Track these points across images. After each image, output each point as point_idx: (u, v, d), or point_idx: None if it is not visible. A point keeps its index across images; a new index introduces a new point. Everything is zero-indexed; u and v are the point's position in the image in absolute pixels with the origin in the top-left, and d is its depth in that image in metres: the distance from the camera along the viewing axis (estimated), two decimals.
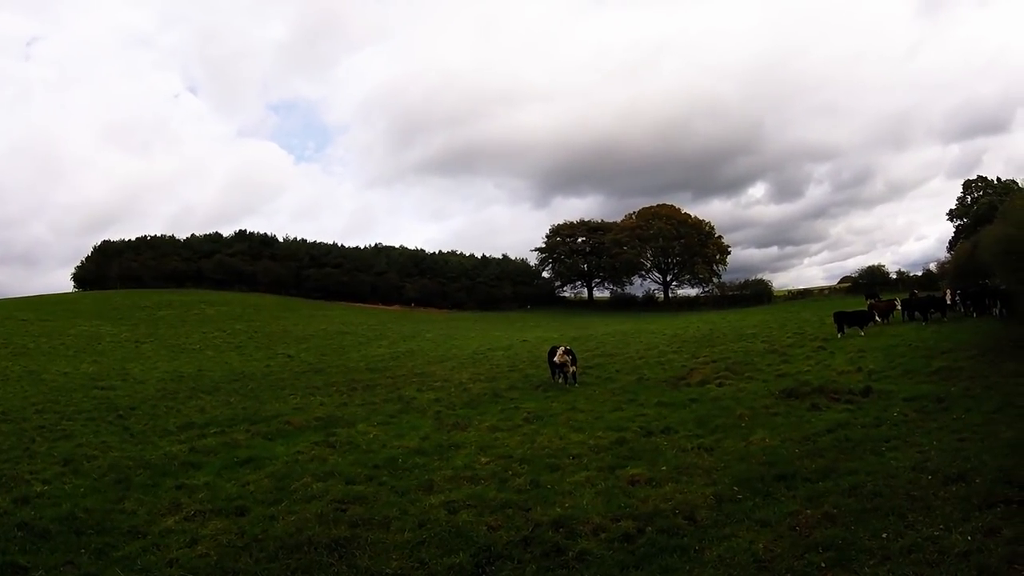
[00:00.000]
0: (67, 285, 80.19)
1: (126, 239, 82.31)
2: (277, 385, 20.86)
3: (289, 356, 29.86)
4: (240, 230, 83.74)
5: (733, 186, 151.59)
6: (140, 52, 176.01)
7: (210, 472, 10.78)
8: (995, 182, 65.12)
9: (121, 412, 16.48)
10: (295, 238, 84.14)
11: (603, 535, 7.36)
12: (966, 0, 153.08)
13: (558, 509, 8.12)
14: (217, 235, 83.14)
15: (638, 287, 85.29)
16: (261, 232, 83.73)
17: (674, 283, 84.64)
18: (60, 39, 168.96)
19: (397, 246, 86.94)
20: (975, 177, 68.66)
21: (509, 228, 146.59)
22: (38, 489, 9.93)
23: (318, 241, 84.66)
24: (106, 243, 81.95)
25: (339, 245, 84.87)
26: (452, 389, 18.37)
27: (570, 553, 6.96)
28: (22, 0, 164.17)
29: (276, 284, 75.84)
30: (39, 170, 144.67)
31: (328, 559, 7.10)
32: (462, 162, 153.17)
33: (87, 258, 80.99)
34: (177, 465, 11.30)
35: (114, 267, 77.02)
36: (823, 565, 6.25)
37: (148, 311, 49.82)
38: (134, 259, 77.77)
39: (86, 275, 78.73)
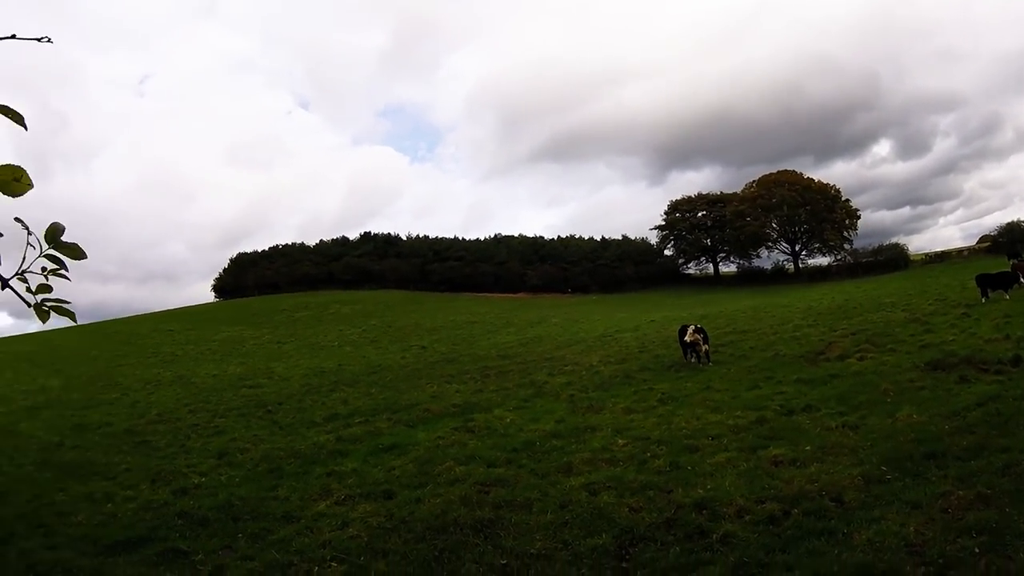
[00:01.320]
0: (208, 296, 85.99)
1: (259, 250, 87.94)
2: (413, 375, 21.33)
3: (422, 347, 30.18)
4: (365, 232, 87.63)
5: (855, 146, 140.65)
6: (247, 75, 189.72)
7: (357, 459, 11.30)
8: None
9: (269, 407, 17.39)
10: (417, 235, 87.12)
11: (747, 517, 7.10)
12: None
13: (700, 491, 7.94)
14: (344, 239, 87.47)
15: (766, 259, 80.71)
16: (385, 232, 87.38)
17: (803, 252, 78.85)
18: (169, 73, 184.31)
19: (516, 235, 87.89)
20: None
21: (626, 208, 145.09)
22: (196, 481, 10.70)
23: (439, 236, 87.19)
24: (241, 255, 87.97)
25: (459, 239, 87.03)
26: (583, 372, 18.32)
27: (714, 536, 6.77)
28: (127, 41, 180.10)
29: (403, 280, 78.71)
30: (171, 195, 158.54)
31: (474, 539, 7.28)
32: (572, 147, 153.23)
33: (224, 270, 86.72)
34: (325, 454, 11.95)
35: (250, 276, 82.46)
36: (977, 550, 5.66)
37: (286, 314, 52.02)
38: (268, 267, 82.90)
39: (225, 286, 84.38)
